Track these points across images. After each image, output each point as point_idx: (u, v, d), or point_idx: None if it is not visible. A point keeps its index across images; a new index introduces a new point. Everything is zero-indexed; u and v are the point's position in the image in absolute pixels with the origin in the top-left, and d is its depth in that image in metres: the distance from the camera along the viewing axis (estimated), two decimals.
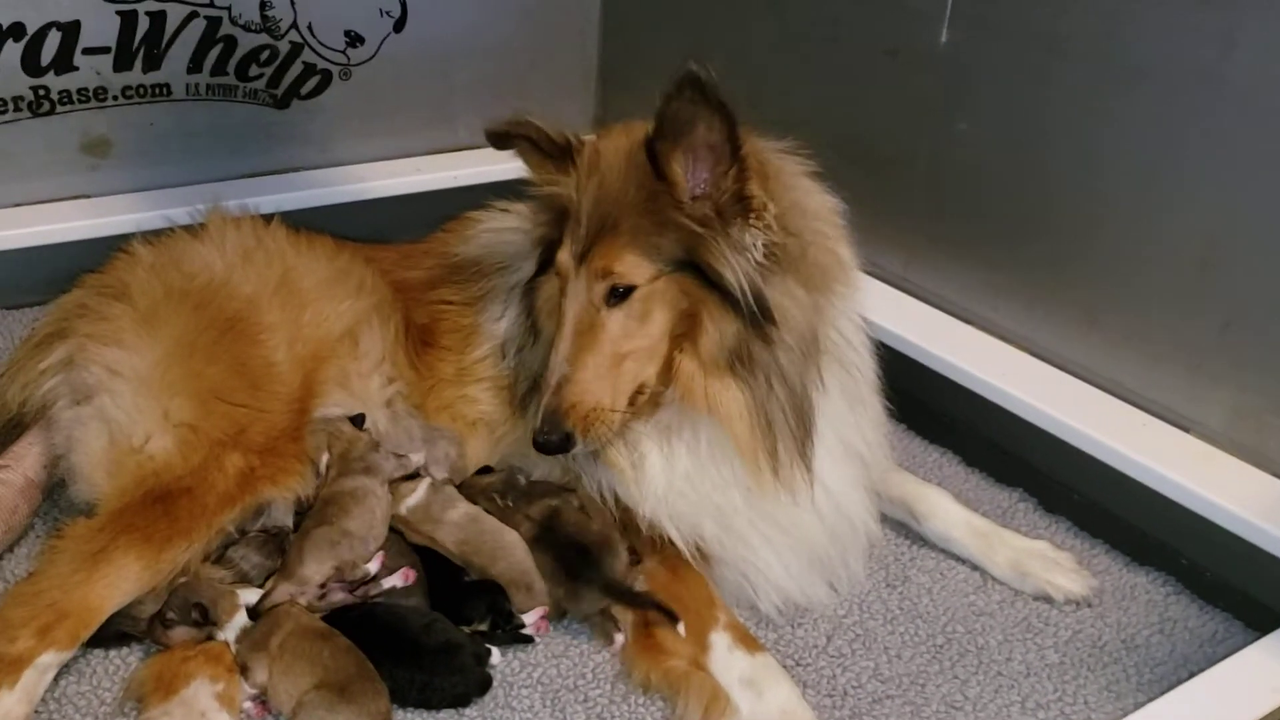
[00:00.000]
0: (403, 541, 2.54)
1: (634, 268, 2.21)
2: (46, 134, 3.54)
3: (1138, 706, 2.34)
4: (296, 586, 2.33)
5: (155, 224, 3.19)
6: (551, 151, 2.36)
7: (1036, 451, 2.91)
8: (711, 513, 2.44)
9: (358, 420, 2.64)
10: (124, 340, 2.50)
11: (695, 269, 2.21)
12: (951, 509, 2.78)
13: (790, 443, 2.32)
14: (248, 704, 2.25)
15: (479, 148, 4.10)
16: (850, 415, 2.50)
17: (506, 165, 3.91)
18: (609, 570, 2.39)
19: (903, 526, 2.83)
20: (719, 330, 2.24)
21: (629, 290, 2.23)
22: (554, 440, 2.24)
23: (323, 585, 2.35)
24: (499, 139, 2.45)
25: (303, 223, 2.99)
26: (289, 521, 2.53)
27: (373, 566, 2.42)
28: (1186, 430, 2.75)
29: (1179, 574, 2.72)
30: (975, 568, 2.72)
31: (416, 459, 2.60)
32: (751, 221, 2.19)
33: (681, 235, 2.19)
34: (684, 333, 2.28)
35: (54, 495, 2.69)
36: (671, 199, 2.19)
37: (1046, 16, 2.86)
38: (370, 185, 3.89)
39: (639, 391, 2.30)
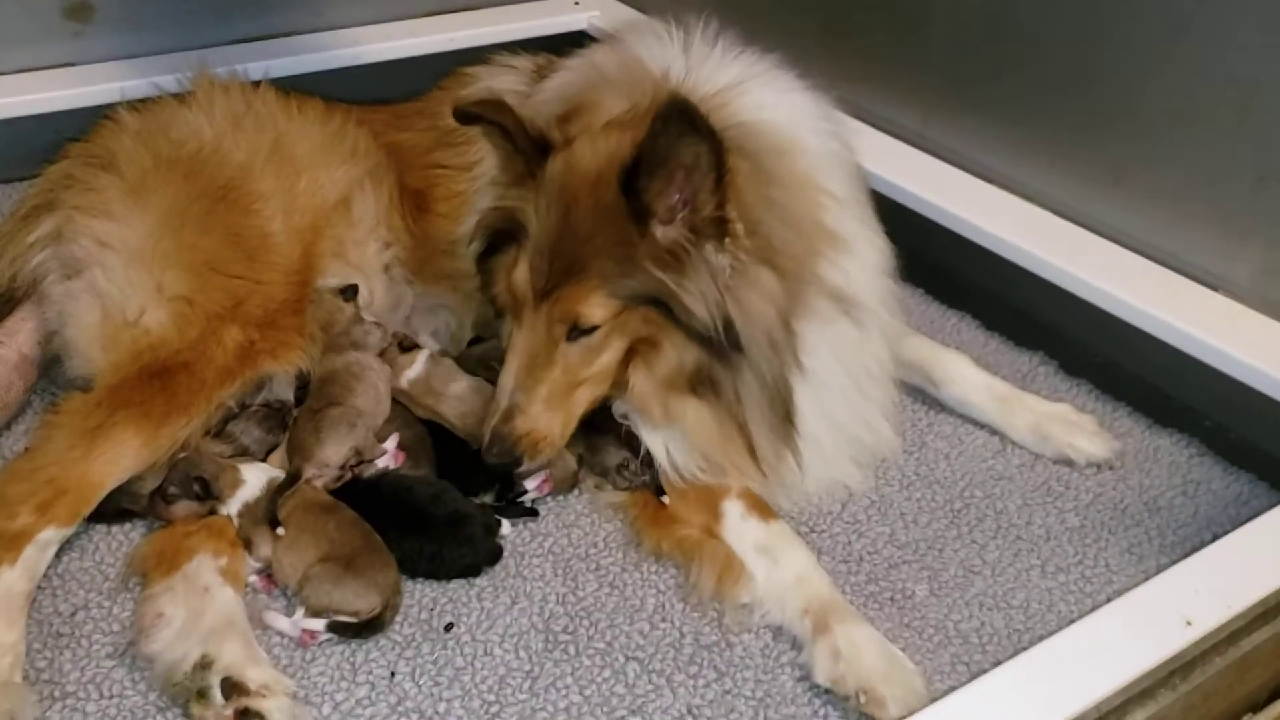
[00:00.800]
0: (408, 413, 2.50)
1: (600, 308, 2.13)
2: None
3: (1160, 569, 2.31)
4: (316, 469, 2.29)
5: (142, 92, 3.07)
6: (524, 147, 2.18)
7: (1058, 313, 2.85)
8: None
9: (350, 291, 2.58)
10: (113, 211, 2.45)
11: (661, 303, 2.12)
12: (970, 373, 2.72)
13: (768, 436, 2.26)
14: (253, 578, 2.24)
15: (477, 8, 4.01)
16: (859, 349, 2.40)
17: (505, 26, 3.91)
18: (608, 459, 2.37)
19: (920, 391, 2.77)
20: (679, 357, 2.19)
21: (592, 328, 2.15)
22: (502, 463, 2.23)
23: (341, 467, 2.31)
24: (467, 118, 2.27)
25: (297, 88, 2.89)
26: (290, 395, 2.49)
27: (389, 445, 2.38)
28: (1214, 289, 2.67)
29: (1203, 435, 2.67)
30: (994, 432, 2.68)
31: (419, 362, 2.56)
32: (727, 245, 2.09)
33: (652, 279, 2.09)
34: (637, 351, 2.21)
35: (50, 371, 2.63)
36: (643, 239, 2.08)
37: None
38: (365, 49, 3.74)
39: (589, 408, 2.28)
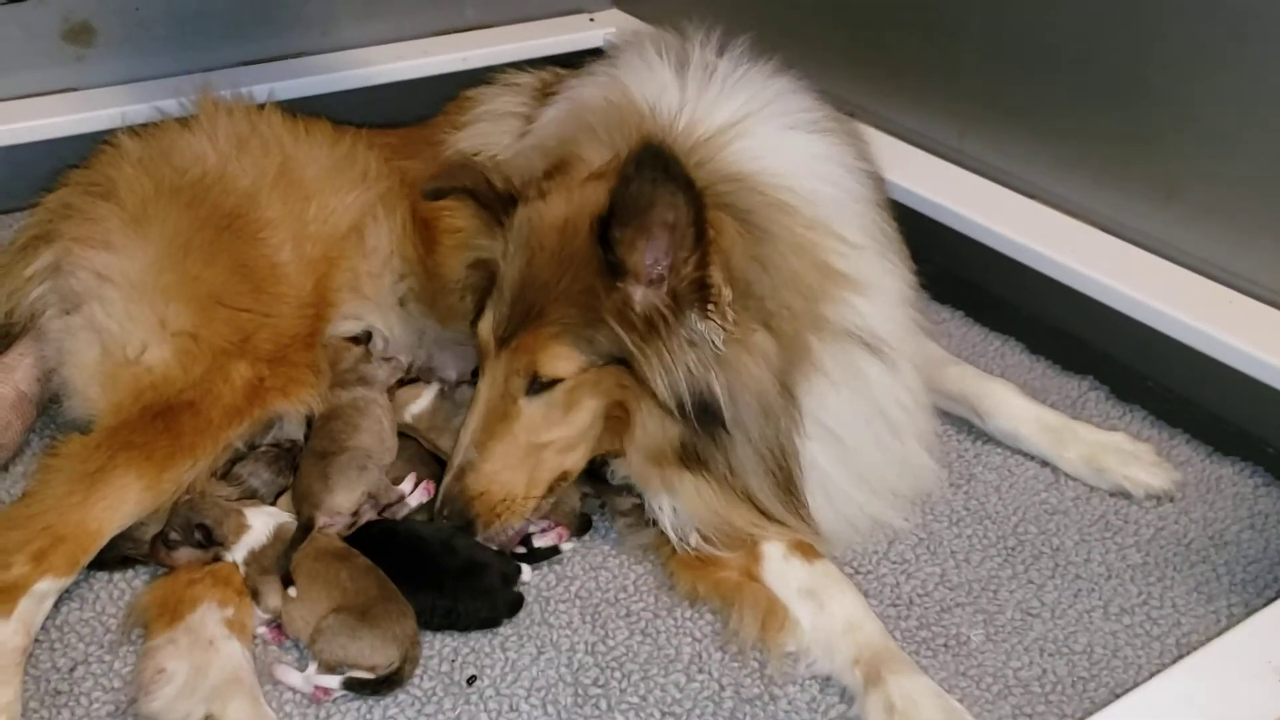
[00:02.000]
0: (423, 451, 2.42)
1: (560, 360, 2.02)
2: (24, 22, 3.36)
3: (1231, 609, 2.22)
4: (328, 517, 2.21)
5: (145, 117, 3.02)
6: (491, 203, 2.13)
7: (1108, 335, 2.76)
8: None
9: (364, 337, 2.55)
10: (113, 242, 2.40)
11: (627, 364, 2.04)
12: (1017, 403, 2.61)
13: (776, 504, 2.15)
14: (261, 629, 2.15)
15: (489, 27, 3.98)
16: (884, 386, 2.26)
17: (519, 45, 3.87)
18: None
19: (965, 423, 2.66)
20: (661, 429, 2.08)
21: (554, 382, 2.04)
22: (455, 525, 2.13)
23: (354, 514, 2.23)
24: (436, 194, 2.23)
25: (305, 110, 2.82)
26: (301, 435, 2.42)
27: (406, 487, 2.31)
28: (1277, 306, 2.56)
29: (1267, 464, 2.56)
30: (1046, 464, 2.57)
31: (428, 395, 2.53)
32: (710, 312, 1.95)
33: (616, 337, 1.99)
34: (621, 417, 2.10)
35: (50, 411, 2.57)
36: (609, 294, 1.97)
37: None
38: (375, 70, 3.70)
39: (563, 478, 2.16)
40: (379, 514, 2.27)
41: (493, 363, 2.09)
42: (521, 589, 2.20)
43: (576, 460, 2.15)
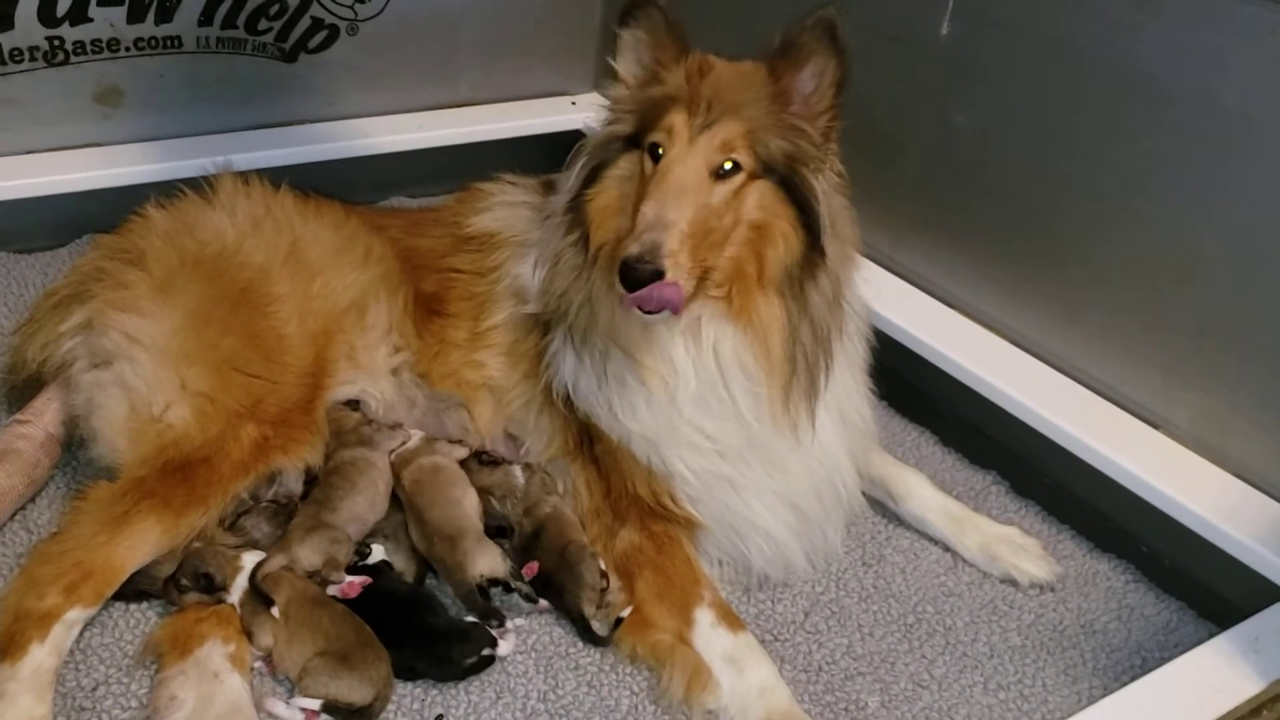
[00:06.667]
0: (403, 523, 2.65)
1: (746, 153, 2.33)
2: (61, 83, 3.57)
3: (1092, 692, 2.50)
4: (286, 560, 2.41)
5: (164, 175, 3.28)
6: (672, 40, 2.42)
7: (1012, 437, 3.01)
8: (709, 446, 2.54)
9: (352, 404, 2.74)
10: (141, 308, 2.56)
11: (781, 181, 2.35)
12: (928, 492, 2.90)
13: (805, 379, 2.46)
14: (258, 663, 2.37)
15: (481, 104, 4.20)
16: (849, 381, 2.63)
17: (506, 124, 4.10)
18: (587, 575, 2.50)
19: (881, 506, 2.94)
20: (787, 246, 2.38)
21: (735, 171, 2.33)
22: (646, 270, 2.19)
23: (310, 574, 2.42)
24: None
25: (309, 174, 3.07)
26: (298, 489, 2.63)
27: (351, 592, 2.45)
28: (1155, 427, 2.87)
29: (1139, 562, 2.84)
30: (947, 549, 2.84)
31: (416, 435, 2.75)
32: (827, 168, 2.40)
33: (791, 144, 2.34)
34: (748, 243, 2.39)
35: (71, 449, 2.77)
36: (789, 108, 2.36)
37: (1048, 19, 2.92)
38: (374, 140, 3.92)
39: (701, 278, 2.33)
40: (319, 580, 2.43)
41: (687, 148, 2.32)
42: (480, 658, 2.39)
43: (715, 262, 2.35)
